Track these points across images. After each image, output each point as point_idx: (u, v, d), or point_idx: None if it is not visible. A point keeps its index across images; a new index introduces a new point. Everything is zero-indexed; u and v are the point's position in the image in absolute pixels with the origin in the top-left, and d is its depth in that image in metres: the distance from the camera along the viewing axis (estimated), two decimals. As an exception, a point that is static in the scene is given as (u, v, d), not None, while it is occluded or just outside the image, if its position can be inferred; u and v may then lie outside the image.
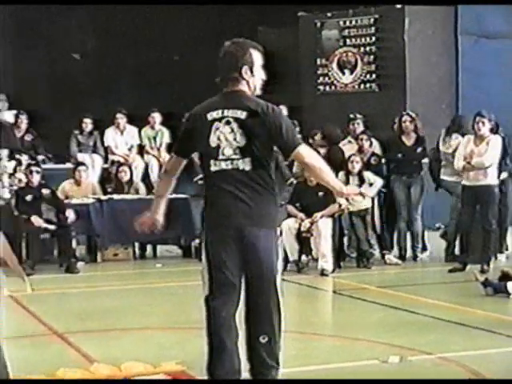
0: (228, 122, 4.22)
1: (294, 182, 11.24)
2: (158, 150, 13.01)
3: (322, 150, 10.91)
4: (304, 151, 4.25)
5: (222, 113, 4.24)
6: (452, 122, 10.40)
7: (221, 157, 4.21)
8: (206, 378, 4.27)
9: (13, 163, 11.14)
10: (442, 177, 10.13)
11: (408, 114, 10.54)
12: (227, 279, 4.19)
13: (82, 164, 11.41)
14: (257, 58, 4.31)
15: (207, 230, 4.30)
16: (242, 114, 4.22)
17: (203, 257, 4.29)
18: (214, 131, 4.22)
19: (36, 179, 10.06)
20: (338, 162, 10.04)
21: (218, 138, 4.21)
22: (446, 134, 10.14)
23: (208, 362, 4.23)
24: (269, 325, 4.26)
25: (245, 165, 4.21)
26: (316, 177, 4.46)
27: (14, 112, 12.88)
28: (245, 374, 4.28)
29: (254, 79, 4.29)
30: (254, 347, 4.25)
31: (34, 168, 10.32)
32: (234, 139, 4.21)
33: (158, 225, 4.50)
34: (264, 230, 4.21)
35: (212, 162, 4.22)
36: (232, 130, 4.22)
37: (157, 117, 12.94)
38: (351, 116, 11.25)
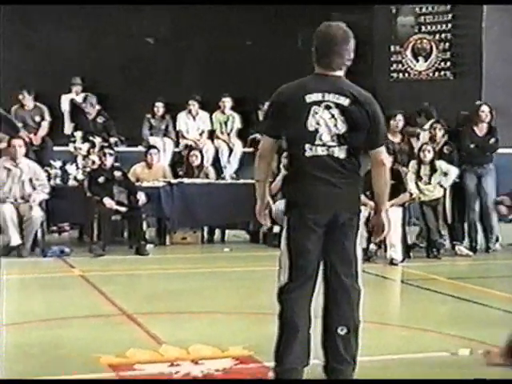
0: (328, 107, 4.10)
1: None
2: (229, 134, 13.07)
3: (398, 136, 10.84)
4: (384, 152, 4.26)
5: (323, 96, 4.11)
6: None
7: (317, 142, 4.08)
8: (272, 363, 4.26)
9: (86, 145, 11.31)
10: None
11: (487, 104, 10.34)
12: (309, 266, 4.11)
13: (154, 147, 11.52)
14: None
15: (292, 216, 4.13)
16: (345, 101, 4.13)
17: (283, 243, 4.16)
18: (313, 115, 4.08)
19: (109, 161, 10.20)
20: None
21: (318, 123, 4.09)
22: None
23: (277, 347, 4.16)
24: (349, 315, 4.17)
25: (340, 152, 4.12)
26: (378, 181, 4.27)
27: (86, 94, 13.08)
28: (314, 362, 4.24)
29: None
30: (330, 339, 4.16)
31: (107, 150, 10.47)
32: (335, 125, 4.10)
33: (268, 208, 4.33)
34: (354, 215, 4.21)
35: (308, 146, 4.09)
36: (332, 116, 4.10)
37: (228, 102, 12.99)
38: (424, 104, 11.13)
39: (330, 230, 4.13)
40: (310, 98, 4.10)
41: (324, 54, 4.17)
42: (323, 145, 4.09)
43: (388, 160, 4.26)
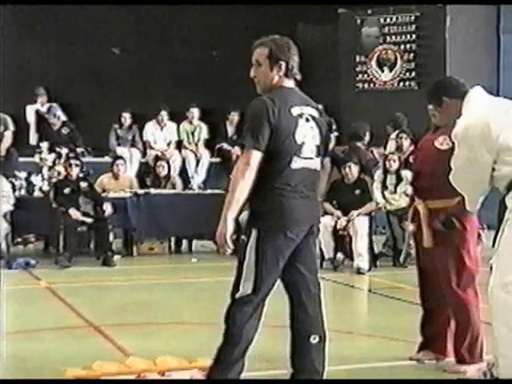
0: (307, 120, 4.15)
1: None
2: (196, 145, 13.07)
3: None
4: (329, 162, 4.39)
5: (301, 109, 4.15)
6: None
7: (303, 154, 4.11)
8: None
9: (52, 156, 11.25)
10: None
11: None
12: (274, 280, 4.11)
13: (120, 158, 11.49)
14: None
15: (267, 228, 4.06)
16: (315, 113, 4.22)
17: (251, 254, 4.06)
18: (300, 128, 4.11)
19: (75, 172, 10.15)
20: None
21: (304, 136, 4.12)
22: None
23: (231, 360, 4.10)
24: (319, 324, 4.20)
25: (316, 164, 4.20)
26: (322, 184, 4.38)
27: (51, 104, 13.01)
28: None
29: None
30: (302, 349, 4.15)
31: (72, 161, 10.42)
32: (313, 137, 4.16)
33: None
34: (317, 227, 4.26)
35: (295, 158, 4.08)
36: (311, 128, 4.16)
37: (195, 112, 13.01)
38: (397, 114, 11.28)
39: (302, 241, 4.14)
40: (295, 111, 4.12)
41: (293, 67, 4.18)
42: (305, 157, 4.13)
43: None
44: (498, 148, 4.27)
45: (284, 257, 4.08)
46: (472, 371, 4.77)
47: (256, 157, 4.00)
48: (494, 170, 4.34)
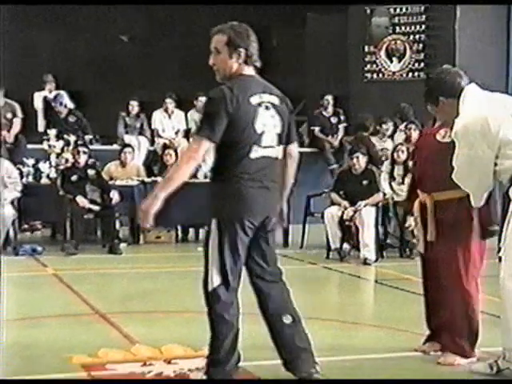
0: (267, 108, 4.10)
1: (335, 167, 11.23)
2: (204, 133, 13.04)
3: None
4: (296, 147, 4.33)
5: (261, 97, 4.10)
6: None
7: (263, 143, 4.08)
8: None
9: (60, 143, 11.25)
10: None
11: None
12: (240, 268, 4.13)
13: (128, 146, 11.49)
14: None
15: (227, 219, 4.06)
16: (276, 100, 4.16)
17: (214, 245, 4.08)
18: (259, 116, 4.06)
19: (83, 159, 10.14)
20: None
21: (264, 124, 4.08)
22: None
23: (224, 351, 4.14)
24: (288, 306, 4.22)
25: (278, 153, 4.18)
26: (287, 176, 4.31)
27: (58, 92, 13.00)
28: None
29: None
30: (279, 332, 4.18)
31: (81, 148, 10.42)
32: (274, 126, 4.13)
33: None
34: (275, 217, 4.24)
35: (254, 148, 4.05)
36: (272, 116, 4.12)
37: (203, 101, 12.95)
38: (402, 105, 11.24)
39: (258, 232, 4.15)
40: (254, 99, 4.07)
41: (253, 54, 4.13)
42: (266, 146, 4.10)
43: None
44: (498, 143, 4.28)
45: (244, 245, 4.10)
46: (464, 364, 4.76)
47: (205, 147, 3.99)
48: (496, 164, 4.34)
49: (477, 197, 4.50)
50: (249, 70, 4.14)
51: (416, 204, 5.06)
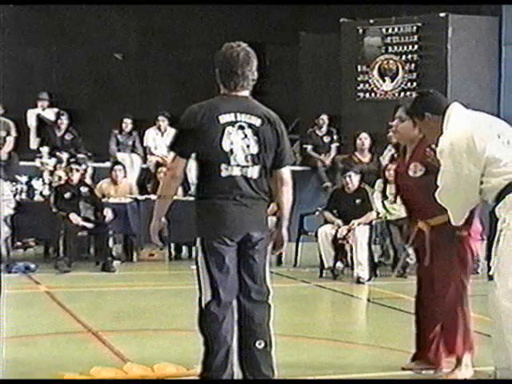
0: (241, 127, 4.15)
1: (329, 185, 11.23)
2: (197, 152, 13.06)
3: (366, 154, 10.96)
4: (289, 172, 4.34)
5: (235, 117, 4.15)
6: None
7: (233, 162, 4.13)
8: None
9: (53, 160, 11.25)
10: None
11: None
12: (231, 280, 4.15)
13: (119, 163, 11.49)
14: None
15: (207, 236, 4.16)
16: (257, 121, 4.19)
17: (202, 262, 4.16)
18: (227, 135, 4.12)
19: (76, 177, 10.14)
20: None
21: (232, 143, 4.12)
22: None
23: (204, 359, 4.18)
24: (264, 330, 4.22)
25: (253, 172, 4.18)
26: (280, 201, 4.33)
27: (56, 110, 13.01)
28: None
29: None
30: (248, 355, 4.19)
31: (74, 166, 10.42)
32: (247, 146, 4.16)
33: (165, 226, 4.47)
34: (264, 235, 4.25)
35: (223, 166, 4.12)
36: (245, 136, 4.15)
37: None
38: (390, 124, 11.23)
39: (243, 248, 4.18)
40: (224, 118, 4.14)
41: (228, 75, 4.21)
42: (238, 165, 4.14)
43: (290, 177, 4.33)
44: (484, 161, 4.31)
45: (232, 259, 4.14)
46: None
47: (179, 163, 4.18)
48: (482, 183, 4.37)
49: (458, 215, 4.52)
50: (227, 90, 4.22)
51: (414, 231, 5.06)
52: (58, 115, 12.63)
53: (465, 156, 4.31)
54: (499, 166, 4.31)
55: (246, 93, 4.25)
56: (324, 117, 13.15)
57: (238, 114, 4.16)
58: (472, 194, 4.39)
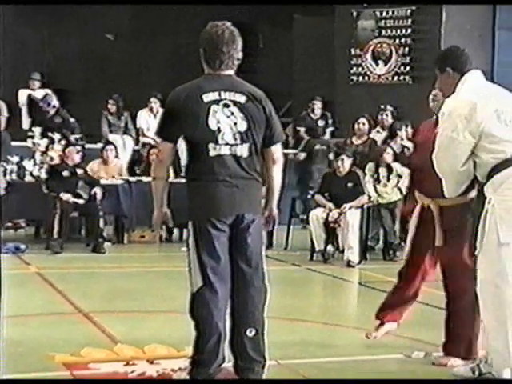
0: (226, 105, 4.11)
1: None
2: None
3: (363, 138, 10.95)
4: (280, 149, 4.29)
5: (219, 95, 4.11)
6: None
7: (221, 141, 4.09)
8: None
9: (45, 141, 11.19)
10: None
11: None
12: (221, 267, 4.10)
13: (110, 143, 11.44)
14: None
15: (197, 219, 4.14)
16: (242, 98, 4.15)
17: (192, 246, 4.13)
18: (213, 114, 4.08)
19: (76, 158, 10.09)
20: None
21: (218, 121, 4.09)
22: None
23: (195, 345, 4.17)
24: (257, 317, 4.19)
25: (243, 151, 4.14)
26: (273, 177, 4.30)
27: (45, 91, 12.94)
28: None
29: None
30: (239, 341, 4.17)
31: (74, 147, 10.37)
32: (235, 124, 4.12)
33: (169, 216, 4.40)
34: (257, 216, 4.20)
35: (211, 146, 4.08)
36: (232, 114, 4.12)
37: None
38: (381, 107, 11.26)
39: (235, 231, 4.13)
40: (208, 97, 4.10)
41: (213, 54, 4.18)
42: (226, 144, 4.10)
43: (282, 154, 4.31)
44: (479, 132, 4.33)
45: (223, 244, 4.10)
46: (459, 364, 4.77)
47: (165, 147, 4.21)
48: (476, 156, 4.37)
49: (452, 185, 4.50)
50: (212, 70, 4.18)
51: (417, 208, 5.01)
52: (44, 97, 12.50)
53: (464, 122, 4.32)
54: (492, 141, 4.32)
55: (230, 72, 4.21)
56: (317, 101, 13.11)
57: (222, 92, 4.12)
58: (465, 164, 4.37)
